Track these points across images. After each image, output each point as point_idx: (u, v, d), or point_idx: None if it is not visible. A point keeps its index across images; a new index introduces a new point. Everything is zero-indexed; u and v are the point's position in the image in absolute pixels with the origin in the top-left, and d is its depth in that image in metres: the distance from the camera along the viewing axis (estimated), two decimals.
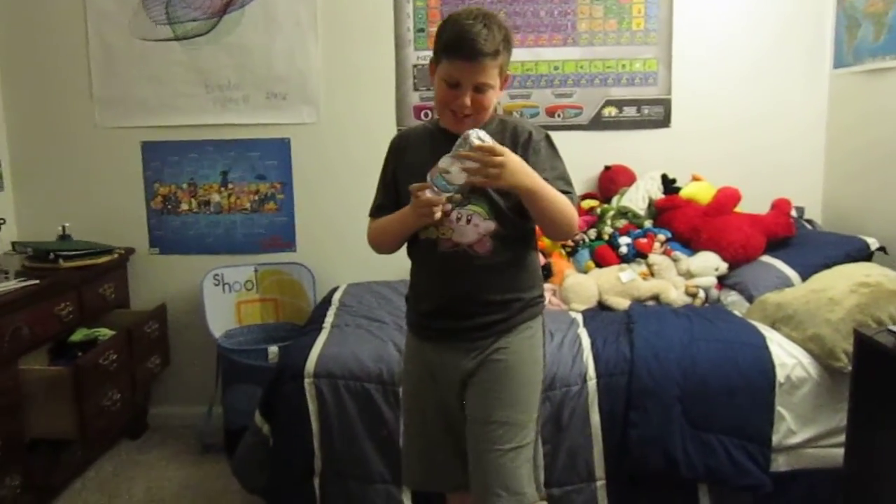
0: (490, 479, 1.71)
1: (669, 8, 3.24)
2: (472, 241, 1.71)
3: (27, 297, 2.63)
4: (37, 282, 2.71)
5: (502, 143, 1.69)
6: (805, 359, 2.37)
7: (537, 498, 1.77)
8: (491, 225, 1.70)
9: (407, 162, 1.79)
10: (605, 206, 3.20)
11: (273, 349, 2.95)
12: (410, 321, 1.91)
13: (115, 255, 3.19)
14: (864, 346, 2.05)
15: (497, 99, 1.73)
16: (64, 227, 3.17)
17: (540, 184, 1.61)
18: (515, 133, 1.73)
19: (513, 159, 1.57)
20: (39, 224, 3.30)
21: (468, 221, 1.69)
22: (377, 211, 1.85)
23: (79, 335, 2.95)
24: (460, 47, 1.62)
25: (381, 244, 1.84)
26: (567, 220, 1.67)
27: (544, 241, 2.92)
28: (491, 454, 1.71)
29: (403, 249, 1.86)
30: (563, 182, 1.72)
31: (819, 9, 3.26)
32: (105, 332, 3.00)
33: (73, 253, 3.00)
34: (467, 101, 1.65)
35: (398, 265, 3.30)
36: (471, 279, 1.73)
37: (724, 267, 2.94)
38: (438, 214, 1.62)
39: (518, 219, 1.71)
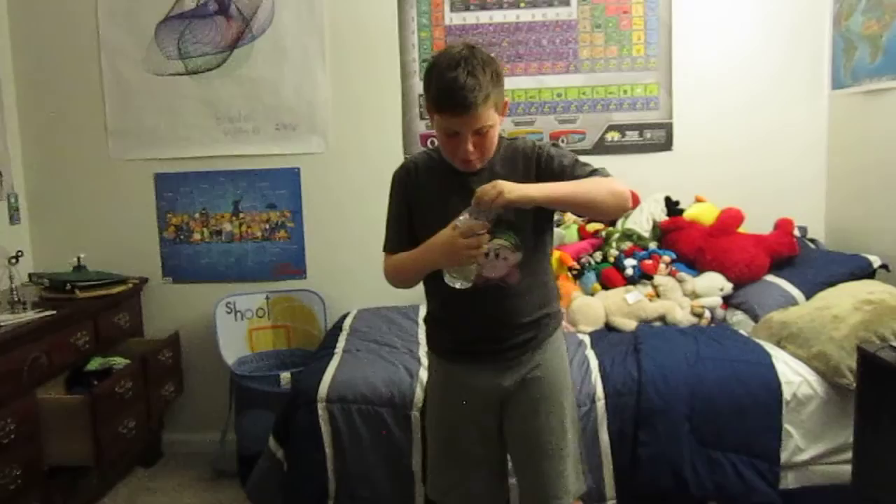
0: (546, 486, 1.80)
1: (669, 34, 3.31)
2: (504, 274, 1.73)
3: (44, 327, 2.69)
4: (53, 312, 2.77)
5: (514, 167, 1.74)
6: (811, 376, 2.40)
7: (584, 489, 1.89)
8: (518, 255, 1.73)
9: (419, 196, 1.80)
10: (610, 228, 3.24)
11: (285, 375, 2.99)
12: (437, 346, 1.91)
13: (130, 285, 3.25)
14: (868, 362, 2.08)
15: (500, 127, 1.73)
16: (79, 258, 3.23)
17: (549, 186, 1.62)
18: (525, 153, 1.76)
19: (505, 182, 1.57)
20: (55, 255, 3.36)
21: (497, 256, 1.71)
22: (394, 247, 1.84)
23: (94, 364, 3.00)
24: (449, 103, 1.61)
25: (401, 281, 1.83)
26: (608, 195, 1.63)
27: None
28: (542, 465, 1.80)
29: None
30: (581, 165, 1.71)
31: (817, 31, 3.31)
32: (120, 361, 3.05)
33: (89, 283, 3.06)
34: (470, 147, 1.66)
35: (407, 291, 3.36)
36: (504, 308, 1.76)
37: (728, 287, 2.97)
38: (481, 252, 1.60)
39: (536, 240, 1.76)
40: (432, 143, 3.33)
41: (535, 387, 1.81)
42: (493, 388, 1.81)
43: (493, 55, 1.69)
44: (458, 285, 1.64)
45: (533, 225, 1.74)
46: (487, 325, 1.78)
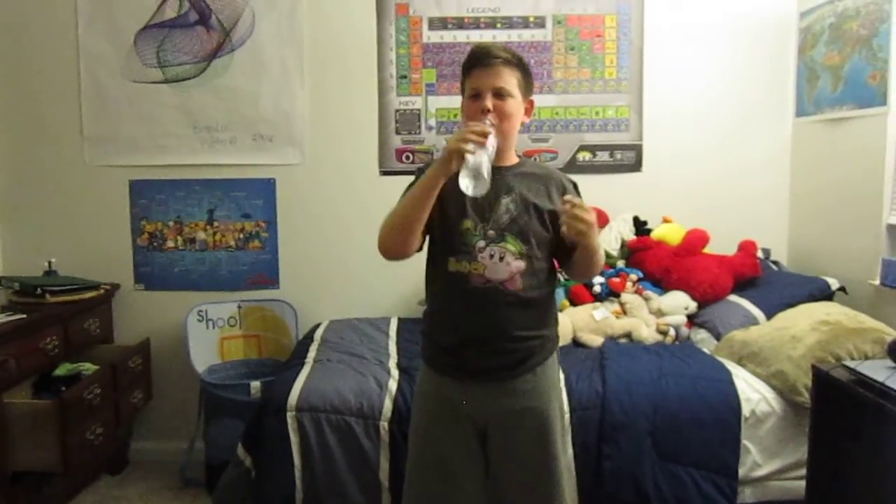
0: None
1: (640, 58, 3.41)
2: (504, 279, 1.76)
3: (14, 331, 2.67)
4: (23, 316, 2.77)
5: (538, 186, 1.81)
6: (769, 394, 2.47)
7: None
8: (521, 264, 1.76)
9: (446, 188, 1.78)
10: None
11: (255, 384, 3.00)
12: (431, 356, 1.90)
13: (101, 291, 3.24)
14: (822, 381, 2.16)
15: (520, 119, 1.82)
16: (50, 263, 3.22)
17: (598, 242, 1.73)
18: (550, 180, 1.83)
19: (595, 222, 1.66)
20: (26, 259, 3.34)
21: (501, 259, 1.75)
22: None
23: (62, 369, 2.98)
24: (476, 58, 1.79)
25: (394, 231, 1.75)
26: (598, 270, 1.83)
27: None
28: (536, 493, 1.82)
29: (419, 283, 1.87)
30: None
31: (783, 60, 3.44)
32: (88, 367, 3.03)
33: (60, 288, 3.05)
34: (488, 103, 1.75)
35: (380, 302, 3.43)
36: (499, 315, 1.77)
37: (693, 306, 3.05)
38: (470, 147, 1.60)
39: (543, 260, 1.79)
40: (408, 157, 3.40)
41: (526, 417, 1.81)
42: (481, 408, 1.81)
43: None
44: (469, 181, 1.60)
45: (542, 242, 1.78)
46: (481, 331, 1.78)
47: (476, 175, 1.61)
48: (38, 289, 2.99)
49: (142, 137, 3.39)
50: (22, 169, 3.41)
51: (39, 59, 3.36)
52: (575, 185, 1.89)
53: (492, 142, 1.64)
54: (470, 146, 1.60)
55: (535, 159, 3.28)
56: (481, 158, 1.61)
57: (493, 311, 1.77)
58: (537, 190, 1.81)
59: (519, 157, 1.89)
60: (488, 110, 1.75)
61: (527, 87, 1.83)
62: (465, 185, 1.62)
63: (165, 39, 3.35)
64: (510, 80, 1.77)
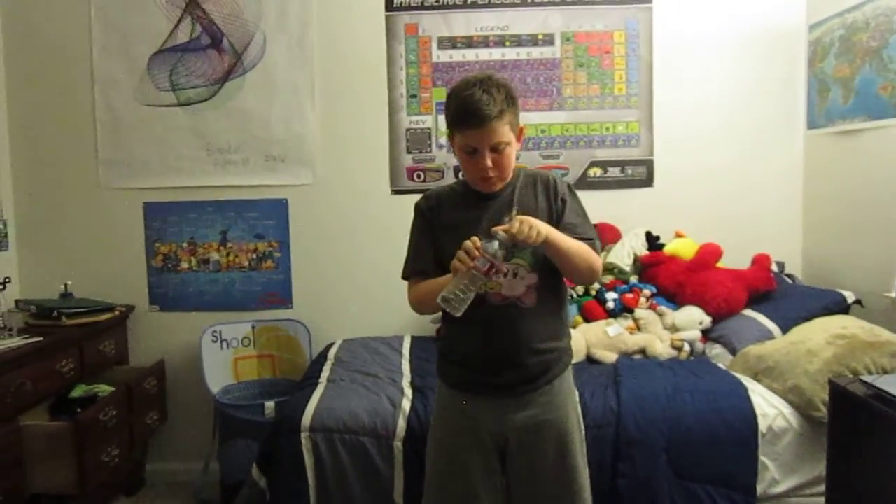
0: None
1: (649, 74, 3.42)
2: (521, 294, 1.80)
3: (30, 353, 2.69)
4: (40, 339, 2.79)
5: (534, 194, 1.84)
6: (786, 409, 2.45)
7: None
8: (534, 277, 1.80)
9: (444, 223, 1.86)
10: None
11: (269, 404, 3.01)
12: (449, 373, 1.93)
13: (116, 313, 3.27)
14: (839, 395, 2.14)
15: (516, 151, 1.83)
16: (66, 285, 3.25)
17: (563, 237, 1.73)
18: (546, 183, 1.86)
19: (532, 218, 1.67)
20: (43, 282, 3.38)
21: (515, 275, 1.79)
22: (417, 274, 1.88)
23: (78, 391, 3.00)
24: (466, 117, 1.74)
25: (425, 306, 1.87)
26: (588, 264, 1.77)
27: None
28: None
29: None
30: (584, 227, 1.85)
31: (792, 73, 3.43)
32: (104, 388, 3.05)
33: (76, 310, 3.07)
34: (488, 162, 1.75)
35: (393, 321, 3.43)
36: (519, 329, 1.81)
37: (707, 321, 3.03)
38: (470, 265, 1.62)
39: (552, 267, 1.81)
40: (419, 176, 3.41)
41: (545, 429, 1.83)
42: (500, 423, 1.84)
43: (508, 81, 1.81)
44: (440, 301, 1.63)
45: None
46: (502, 347, 1.81)
47: (449, 298, 1.63)
48: (55, 311, 3.02)
49: (155, 160, 3.43)
50: (38, 193, 3.45)
51: (54, 84, 3.42)
52: (559, 184, 1.88)
53: (482, 264, 1.62)
54: (464, 268, 1.63)
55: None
56: (468, 294, 1.63)
57: (512, 327, 1.81)
58: (534, 198, 1.84)
59: (520, 167, 1.89)
60: (489, 168, 1.75)
61: (517, 118, 1.80)
62: (439, 300, 1.64)
63: (178, 63, 3.40)
64: (503, 130, 1.74)
